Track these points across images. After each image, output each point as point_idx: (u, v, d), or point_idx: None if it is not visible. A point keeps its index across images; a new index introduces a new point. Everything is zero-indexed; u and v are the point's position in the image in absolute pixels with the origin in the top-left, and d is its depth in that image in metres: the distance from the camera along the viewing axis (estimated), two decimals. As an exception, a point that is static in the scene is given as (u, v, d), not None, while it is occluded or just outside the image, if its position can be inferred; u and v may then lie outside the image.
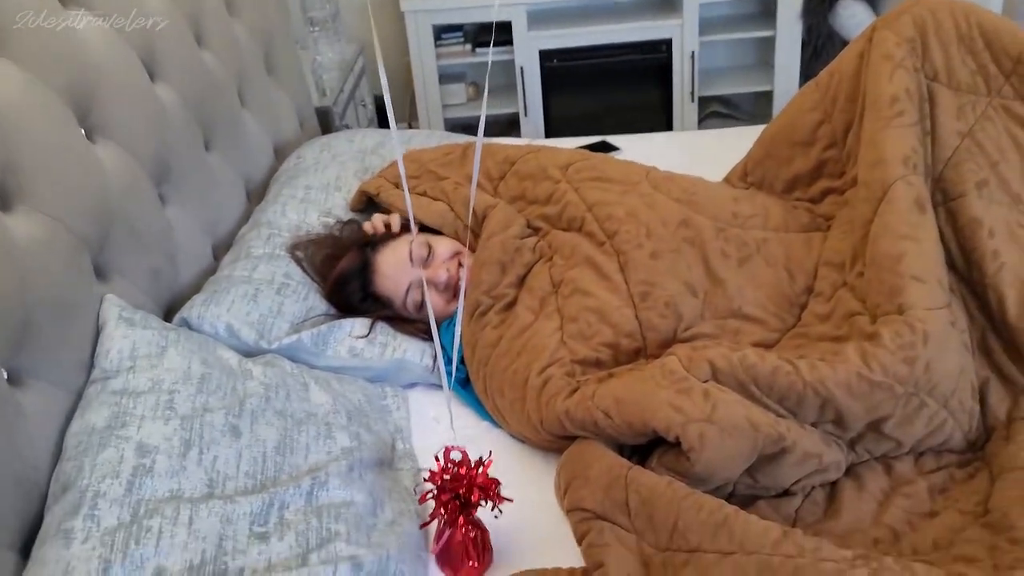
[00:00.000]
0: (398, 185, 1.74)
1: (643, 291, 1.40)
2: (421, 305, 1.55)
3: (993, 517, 1.10)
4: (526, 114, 3.39)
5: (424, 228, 1.67)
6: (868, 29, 1.54)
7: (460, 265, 1.57)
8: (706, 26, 3.28)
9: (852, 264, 1.39)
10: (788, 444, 1.16)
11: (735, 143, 2.18)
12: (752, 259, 1.46)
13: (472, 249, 1.62)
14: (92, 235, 1.28)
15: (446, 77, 3.46)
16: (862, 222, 1.38)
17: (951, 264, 1.38)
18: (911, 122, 1.39)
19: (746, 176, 1.71)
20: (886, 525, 1.14)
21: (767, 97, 3.42)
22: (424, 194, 1.73)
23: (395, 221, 1.68)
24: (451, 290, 1.56)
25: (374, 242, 1.61)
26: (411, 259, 1.56)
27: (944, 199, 1.41)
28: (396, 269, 1.56)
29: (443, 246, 1.60)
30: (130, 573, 1.00)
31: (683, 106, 3.36)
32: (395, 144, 1.34)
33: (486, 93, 1.02)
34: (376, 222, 1.69)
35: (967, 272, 1.36)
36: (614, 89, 3.47)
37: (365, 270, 1.56)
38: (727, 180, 1.75)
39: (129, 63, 1.49)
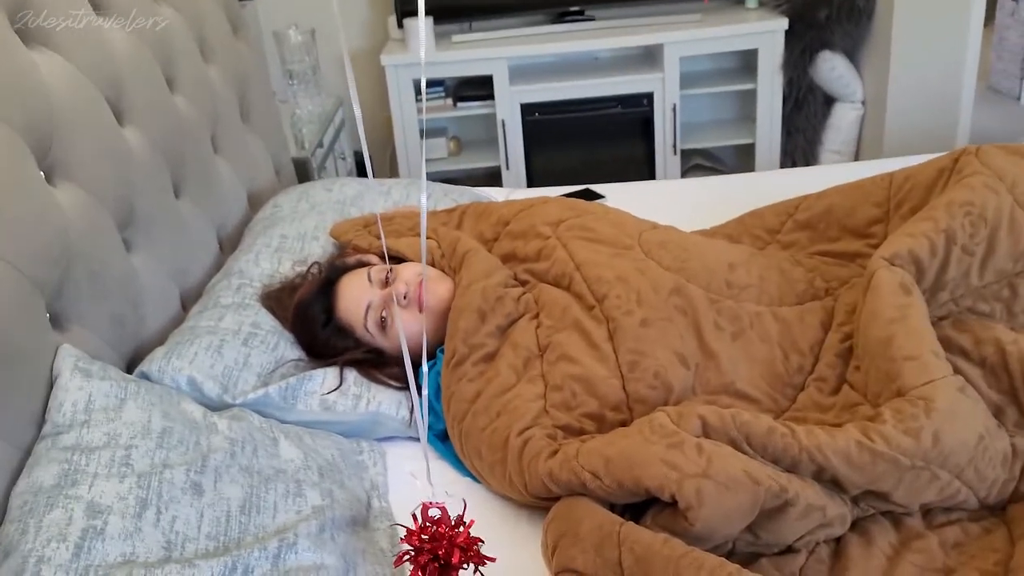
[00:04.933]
0: (367, 227, 1.70)
1: (632, 360, 1.33)
2: (382, 324, 1.48)
3: None
4: (508, 167, 3.37)
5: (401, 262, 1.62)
6: (958, 151, 1.53)
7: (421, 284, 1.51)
8: (687, 80, 3.29)
9: (852, 357, 1.35)
10: (791, 497, 1.08)
11: (717, 192, 2.16)
12: (745, 334, 1.40)
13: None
14: (48, 280, 1.21)
15: (427, 131, 3.43)
16: (857, 312, 1.35)
17: (965, 354, 1.32)
18: (935, 233, 1.36)
19: (779, 230, 1.70)
20: (898, 583, 1.07)
21: (749, 150, 3.42)
22: (415, 233, 1.68)
23: (372, 258, 1.64)
24: (414, 306, 1.50)
25: (338, 274, 1.55)
26: (370, 280, 1.51)
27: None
28: (355, 291, 1.50)
29: (408, 269, 1.54)
30: (74, 647, 0.90)
31: (666, 159, 3.35)
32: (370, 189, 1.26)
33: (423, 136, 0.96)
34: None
35: (977, 352, 1.31)
36: (596, 142, 3.45)
37: (327, 296, 1.51)
38: (760, 215, 1.74)
39: (94, 104, 1.43)
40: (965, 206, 1.38)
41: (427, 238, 1.66)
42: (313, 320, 1.51)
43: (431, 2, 3.13)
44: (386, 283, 1.51)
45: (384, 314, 1.48)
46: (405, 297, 1.49)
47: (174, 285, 1.61)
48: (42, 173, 1.28)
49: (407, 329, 1.48)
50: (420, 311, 1.50)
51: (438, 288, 1.53)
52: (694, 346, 1.37)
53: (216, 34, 2.01)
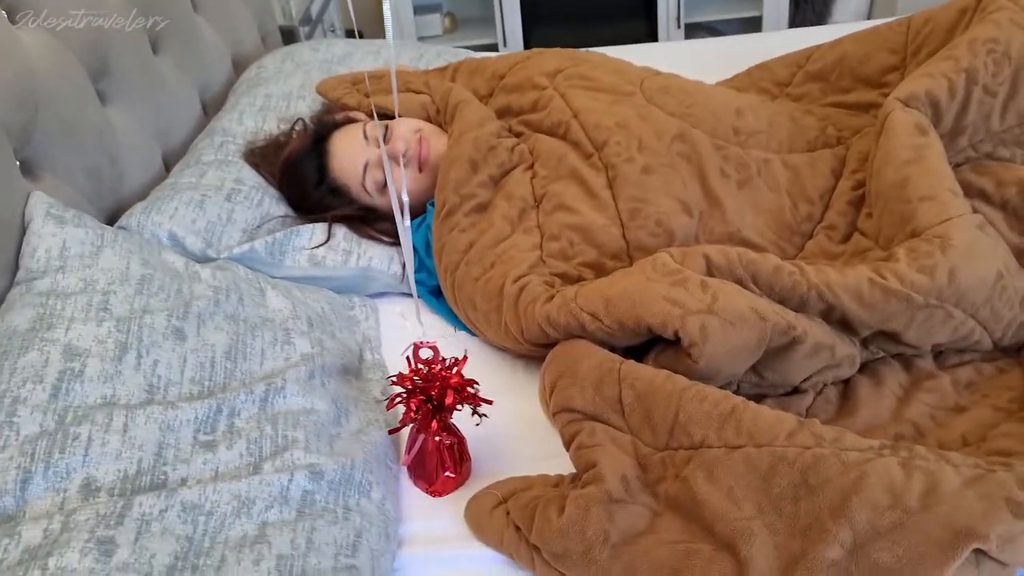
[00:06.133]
0: (356, 84, 1.62)
1: (633, 208, 1.27)
2: (383, 186, 1.41)
3: (1030, 411, 0.99)
4: (505, 45, 3.24)
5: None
6: None
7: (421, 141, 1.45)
8: (692, -54, 3.14)
9: (864, 205, 1.29)
10: (798, 334, 1.04)
11: (723, 54, 2.06)
12: (752, 181, 1.33)
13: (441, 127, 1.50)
14: (13, 121, 1.14)
15: (421, 7, 3.30)
16: (870, 157, 1.28)
17: (986, 197, 1.26)
18: (955, 73, 1.27)
19: (788, 83, 1.61)
20: (908, 421, 1.03)
21: (756, 23, 3.28)
22: (407, 89, 1.60)
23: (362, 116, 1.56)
24: (414, 164, 1.43)
25: (327, 130, 1.47)
26: (365, 138, 1.43)
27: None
28: (351, 149, 1.43)
29: (403, 125, 1.46)
30: (54, 484, 0.87)
31: (669, 34, 3.22)
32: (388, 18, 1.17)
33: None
34: None
35: (999, 195, 1.25)
36: (597, 17, 3.32)
37: (319, 155, 1.43)
38: (769, 67, 1.67)
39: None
40: (988, 43, 1.29)
41: (419, 92, 1.58)
42: (304, 178, 1.44)
43: None
44: (384, 141, 1.44)
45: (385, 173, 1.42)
46: (405, 155, 1.42)
47: (155, 144, 1.54)
48: (3, 11, 1.20)
49: (406, 187, 1.42)
50: (420, 170, 1.44)
51: (437, 143, 1.45)
52: (698, 193, 1.31)
53: None
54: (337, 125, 1.50)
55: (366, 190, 1.43)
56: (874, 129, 1.31)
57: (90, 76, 1.36)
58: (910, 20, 1.51)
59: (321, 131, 1.48)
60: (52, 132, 1.23)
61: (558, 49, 1.63)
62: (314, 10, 2.68)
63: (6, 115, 1.13)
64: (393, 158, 1.41)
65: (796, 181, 1.34)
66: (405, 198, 0.92)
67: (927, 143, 1.22)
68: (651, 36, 3.26)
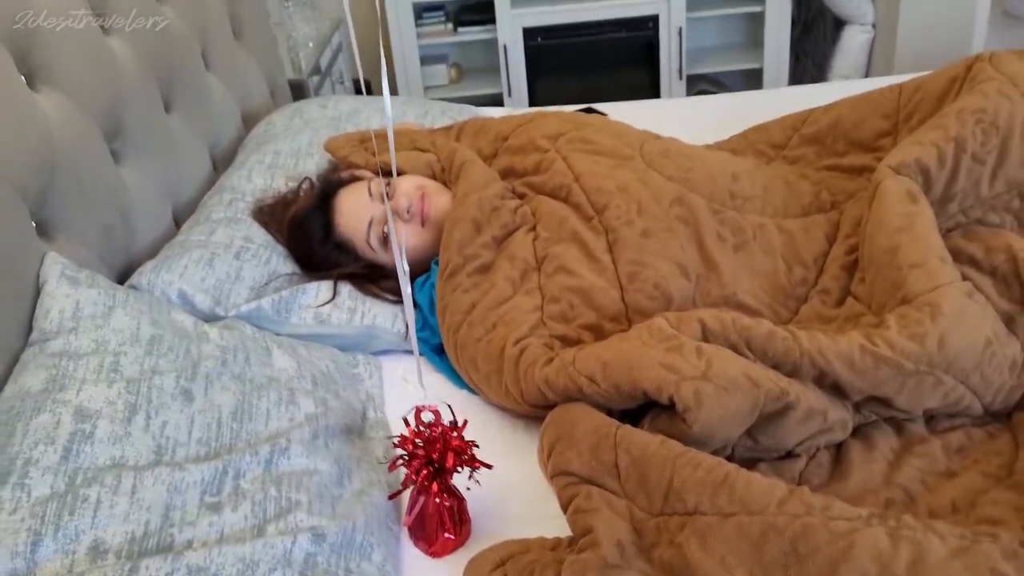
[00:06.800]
0: (363, 143, 1.66)
1: (632, 271, 1.30)
2: (385, 239, 1.45)
3: (1019, 478, 1.01)
4: (510, 94, 3.30)
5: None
6: (970, 58, 1.47)
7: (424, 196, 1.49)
8: (694, 2, 3.20)
9: (857, 269, 1.32)
10: (791, 400, 1.06)
11: (724, 111, 2.10)
12: (748, 245, 1.36)
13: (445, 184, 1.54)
14: (31, 186, 1.18)
15: (427, 58, 3.36)
16: (863, 223, 1.31)
17: (975, 263, 1.28)
18: (945, 141, 1.31)
19: (784, 146, 1.65)
20: (899, 486, 1.05)
21: (756, 75, 3.34)
22: (412, 147, 1.65)
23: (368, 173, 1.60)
24: (417, 220, 1.47)
25: (333, 188, 1.51)
26: (370, 194, 1.47)
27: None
28: (356, 206, 1.47)
29: (407, 182, 1.51)
30: (64, 546, 0.89)
31: (671, 84, 3.28)
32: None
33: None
34: None
35: (988, 261, 1.28)
36: (600, 68, 3.38)
37: (325, 212, 1.47)
38: (765, 130, 1.71)
39: (74, 5, 1.38)
40: (977, 113, 1.33)
41: (424, 151, 1.62)
42: (310, 235, 1.48)
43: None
44: (387, 197, 1.48)
45: (387, 229, 1.45)
46: (408, 211, 1.46)
47: (167, 201, 1.58)
48: (23, 77, 1.25)
49: (408, 243, 1.46)
50: (423, 226, 1.47)
51: (439, 200, 1.49)
52: (695, 257, 1.34)
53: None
54: (343, 183, 1.54)
55: (371, 246, 1.46)
56: (867, 194, 1.35)
57: (105, 137, 1.40)
58: (901, 87, 1.55)
59: (327, 189, 1.52)
60: (67, 193, 1.27)
61: (560, 111, 1.67)
62: (323, 62, 2.74)
63: (24, 179, 1.16)
64: (396, 213, 1.44)
65: (790, 245, 1.37)
66: (405, 265, 0.95)
67: (918, 211, 1.25)
68: (653, 87, 3.32)
